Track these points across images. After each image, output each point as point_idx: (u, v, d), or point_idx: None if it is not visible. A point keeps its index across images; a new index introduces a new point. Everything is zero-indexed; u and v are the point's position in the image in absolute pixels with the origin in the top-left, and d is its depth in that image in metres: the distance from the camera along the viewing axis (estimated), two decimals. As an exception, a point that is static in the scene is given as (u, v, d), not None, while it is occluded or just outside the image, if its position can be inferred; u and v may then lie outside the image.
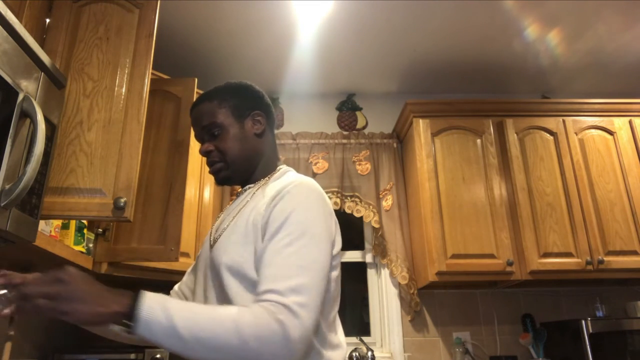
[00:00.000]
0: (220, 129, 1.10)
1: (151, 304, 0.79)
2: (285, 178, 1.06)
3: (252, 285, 0.93)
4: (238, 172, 1.12)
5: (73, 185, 1.32)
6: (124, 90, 1.43)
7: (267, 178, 1.10)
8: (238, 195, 1.16)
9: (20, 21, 1.25)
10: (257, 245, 0.95)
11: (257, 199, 1.03)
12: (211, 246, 1.06)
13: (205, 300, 1.02)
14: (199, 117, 1.13)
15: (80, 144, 1.35)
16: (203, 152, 1.12)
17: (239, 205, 1.09)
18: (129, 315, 0.77)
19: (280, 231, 0.92)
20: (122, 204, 1.30)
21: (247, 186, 1.14)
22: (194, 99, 1.97)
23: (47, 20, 1.48)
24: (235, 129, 1.11)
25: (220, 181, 1.13)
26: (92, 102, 1.40)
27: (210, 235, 1.12)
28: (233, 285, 0.95)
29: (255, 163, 1.12)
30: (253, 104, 1.14)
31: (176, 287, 1.26)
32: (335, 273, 1.02)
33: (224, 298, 0.97)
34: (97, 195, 1.31)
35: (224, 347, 0.78)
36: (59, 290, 0.77)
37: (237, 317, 0.80)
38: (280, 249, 0.90)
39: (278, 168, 1.15)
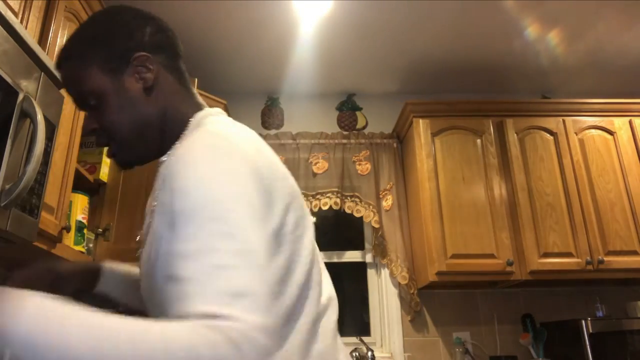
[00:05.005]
0: (94, 97, 0.77)
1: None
2: (190, 139, 0.71)
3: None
4: (137, 152, 0.81)
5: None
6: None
7: (177, 144, 0.76)
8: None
9: (20, 21, 1.25)
10: (160, 238, 0.66)
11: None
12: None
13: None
14: (65, 83, 0.81)
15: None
16: (87, 132, 0.81)
17: (154, 190, 0.77)
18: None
19: (183, 223, 0.60)
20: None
21: (162, 159, 0.81)
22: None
23: (47, 21, 1.47)
24: (114, 94, 0.77)
25: (122, 166, 0.83)
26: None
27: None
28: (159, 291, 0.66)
29: (156, 132, 0.79)
30: (129, 44, 0.78)
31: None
32: (304, 252, 0.74)
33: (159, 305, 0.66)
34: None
35: None
36: None
37: (168, 342, 0.50)
38: (194, 250, 0.58)
39: (189, 120, 0.80)
